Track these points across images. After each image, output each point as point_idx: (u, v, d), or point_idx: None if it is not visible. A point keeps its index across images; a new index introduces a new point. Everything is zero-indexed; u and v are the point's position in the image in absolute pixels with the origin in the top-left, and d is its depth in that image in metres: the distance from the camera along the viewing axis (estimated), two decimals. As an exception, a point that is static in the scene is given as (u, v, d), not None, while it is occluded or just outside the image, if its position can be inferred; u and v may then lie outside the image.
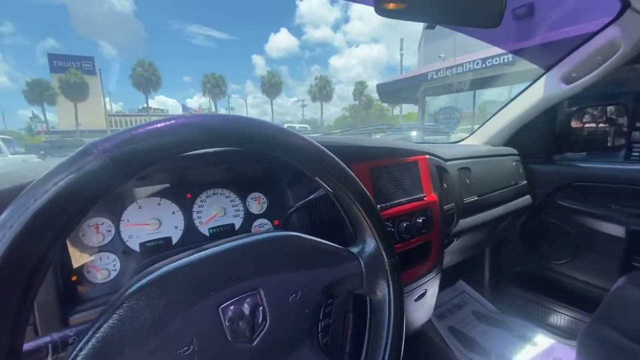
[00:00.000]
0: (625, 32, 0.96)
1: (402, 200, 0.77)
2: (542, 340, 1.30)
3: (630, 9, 0.92)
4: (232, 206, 0.66)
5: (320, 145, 0.39)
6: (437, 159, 0.95)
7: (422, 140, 2.03)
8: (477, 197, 1.08)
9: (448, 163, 1.01)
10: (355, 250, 0.42)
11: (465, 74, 8.78)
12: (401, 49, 25.44)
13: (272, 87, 46.78)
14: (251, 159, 0.59)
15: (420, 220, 0.77)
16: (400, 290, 0.42)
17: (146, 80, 39.63)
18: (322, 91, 47.16)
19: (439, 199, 0.85)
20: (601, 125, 1.55)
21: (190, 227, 0.61)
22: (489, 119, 1.41)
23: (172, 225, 0.59)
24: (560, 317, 1.32)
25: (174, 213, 0.60)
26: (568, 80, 1.15)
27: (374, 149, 0.77)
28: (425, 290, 0.87)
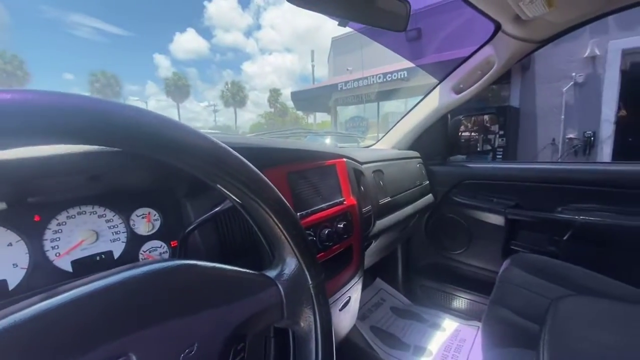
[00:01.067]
0: (498, 50, 1.13)
1: (322, 205, 0.72)
2: (450, 325, 1.43)
3: (501, 31, 1.09)
4: (109, 227, 0.50)
5: (223, 144, 0.30)
6: (354, 162, 0.94)
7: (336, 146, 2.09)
8: (390, 198, 1.12)
9: (364, 166, 1.01)
10: (272, 273, 0.34)
11: (370, 86, 9.65)
12: (312, 60, 26.59)
13: (178, 89, 43.04)
14: (130, 164, 0.44)
15: (341, 226, 0.74)
16: (328, 316, 0.36)
17: (8, 75, 31.89)
18: (236, 97, 45.64)
19: (357, 202, 0.84)
20: (475, 134, 1.84)
21: (40, 263, 0.43)
22: (395, 125, 1.51)
23: (6, 263, 0.41)
24: (464, 302, 1.49)
25: (10, 245, 0.42)
26: (457, 90, 1.31)
27: (291, 151, 0.70)
28: (349, 297, 0.85)
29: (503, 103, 6.12)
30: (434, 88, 1.36)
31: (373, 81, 9.39)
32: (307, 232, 0.66)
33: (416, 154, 1.47)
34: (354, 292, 0.86)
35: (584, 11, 0.91)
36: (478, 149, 1.78)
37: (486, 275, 1.45)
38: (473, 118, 1.61)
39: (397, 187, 1.19)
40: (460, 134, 1.82)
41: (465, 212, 1.46)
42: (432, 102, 1.37)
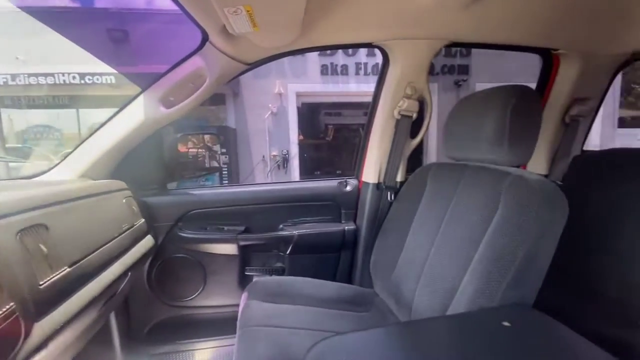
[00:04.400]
0: (208, 64, 1.00)
1: None
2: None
3: (209, 42, 0.95)
4: None
5: None
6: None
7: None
8: (69, 267, 0.67)
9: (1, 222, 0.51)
10: None
11: (59, 86, 7.25)
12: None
13: None
14: None
15: None
16: None
17: None
18: None
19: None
20: (201, 151, 1.70)
21: None
22: (80, 143, 1.02)
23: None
24: (208, 352, 1.25)
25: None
26: (167, 104, 1.05)
27: None
28: None
29: (222, 123, 6.65)
30: (134, 99, 1.02)
31: (64, 80, 7.14)
32: None
33: (121, 184, 1.06)
34: None
35: (284, 41, 0.95)
36: (207, 166, 1.64)
37: (229, 312, 1.30)
38: (193, 137, 1.43)
39: (85, 243, 0.75)
40: (188, 151, 1.58)
41: (197, 248, 1.24)
42: (135, 116, 1.03)
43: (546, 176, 1.41)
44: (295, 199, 1.32)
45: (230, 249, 1.23)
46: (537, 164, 1.42)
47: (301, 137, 7.05)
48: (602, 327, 1.01)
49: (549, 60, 1.27)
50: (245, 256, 1.26)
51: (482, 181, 0.82)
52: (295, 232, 1.26)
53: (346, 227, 1.31)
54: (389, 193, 1.23)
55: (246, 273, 1.28)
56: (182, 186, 1.37)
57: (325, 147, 7.71)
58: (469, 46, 1.15)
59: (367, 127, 1.28)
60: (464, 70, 6.49)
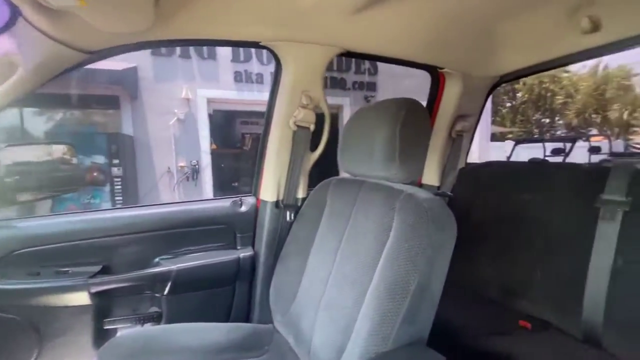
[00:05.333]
0: (23, 48, 0.71)
1: None
2: None
3: (22, 17, 0.68)
4: None
5: None
6: None
7: None
8: None
9: None
10: None
11: None
12: None
13: None
14: None
15: None
16: None
17: None
18: None
19: None
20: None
21: None
22: None
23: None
24: None
25: None
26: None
27: None
28: None
29: (117, 130, 5.72)
30: None
31: None
32: None
33: None
34: None
35: (133, 27, 0.74)
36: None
37: None
38: (28, 147, 1.06)
39: None
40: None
41: (24, 303, 0.89)
42: None
43: (438, 187, 1.49)
44: (176, 224, 1.08)
45: (78, 298, 0.92)
46: (431, 177, 1.49)
47: (214, 146, 6.56)
48: (489, 331, 1.06)
49: (436, 78, 1.35)
50: (103, 305, 0.96)
51: (376, 199, 0.76)
52: (173, 267, 1.02)
53: (242, 254, 1.13)
54: (288, 212, 1.11)
55: (105, 327, 0.98)
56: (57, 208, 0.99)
57: (243, 157, 7.35)
58: (361, 57, 1.11)
59: (263, 139, 1.13)
60: (372, 87, 7.01)
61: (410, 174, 0.75)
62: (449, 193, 1.45)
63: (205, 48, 5.80)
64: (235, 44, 0.99)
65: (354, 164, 0.87)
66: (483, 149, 9.24)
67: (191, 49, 5.76)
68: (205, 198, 1.24)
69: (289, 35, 0.94)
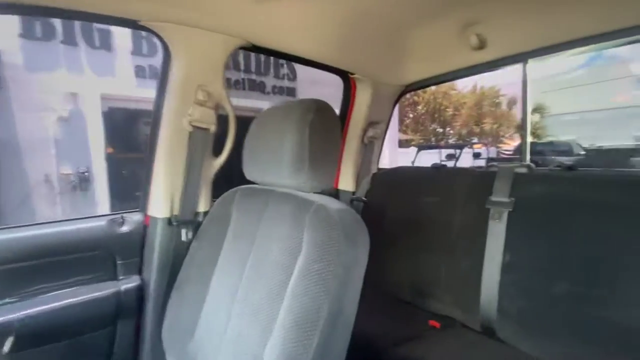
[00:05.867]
0: None
1: None
2: None
3: None
4: None
5: None
6: None
7: None
8: None
9: None
10: None
11: None
12: None
13: None
14: None
15: None
16: None
17: None
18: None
19: None
20: None
21: None
22: None
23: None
24: None
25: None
26: None
27: None
28: None
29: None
30: None
31: None
32: None
33: None
34: None
35: None
36: None
37: None
38: None
39: None
40: None
41: None
42: None
43: (354, 193, 1.49)
44: (26, 255, 0.80)
45: None
46: (347, 182, 1.48)
47: (110, 149, 5.63)
48: (402, 336, 1.07)
49: (348, 84, 1.34)
50: None
51: (285, 213, 0.67)
52: (13, 316, 0.74)
53: (125, 286, 0.90)
54: (184, 230, 0.93)
55: None
56: None
57: (148, 163, 6.47)
58: (269, 53, 1.02)
59: (151, 142, 0.93)
60: (292, 92, 7.03)
61: (321, 182, 0.68)
62: (364, 198, 1.46)
63: (97, 35, 4.96)
64: (105, 21, 0.78)
65: (260, 171, 0.76)
66: (393, 154, 10.17)
67: (78, 35, 4.86)
68: (71, 218, 0.96)
69: (179, 16, 0.78)
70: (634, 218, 0.80)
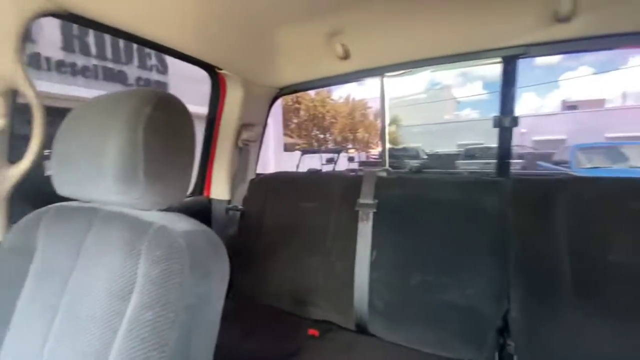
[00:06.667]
0: None
1: None
2: None
3: None
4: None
5: None
6: None
7: None
8: None
9: None
10: None
11: None
12: None
13: None
14: None
15: None
16: None
17: None
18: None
19: None
20: None
21: None
22: None
23: None
24: None
25: None
26: None
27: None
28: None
29: None
30: None
31: None
32: None
33: None
34: None
35: None
36: None
37: None
38: None
39: None
40: None
41: None
42: None
43: (229, 202, 1.35)
44: None
45: None
46: (221, 190, 1.33)
47: None
48: (282, 351, 1.01)
49: (217, 79, 1.20)
50: None
51: (113, 239, 0.50)
52: None
53: None
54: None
55: None
56: None
57: None
58: (97, 27, 0.77)
59: None
60: (163, 87, 6.19)
61: (166, 196, 0.54)
62: (241, 207, 1.34)
63: None
64: None
65: (76, 183, 0.55)
66: (279, 158, 10.30)
67: None
68: None
69: None
70: (464, 212, 0.97)
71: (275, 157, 9.68)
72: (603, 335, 0.76)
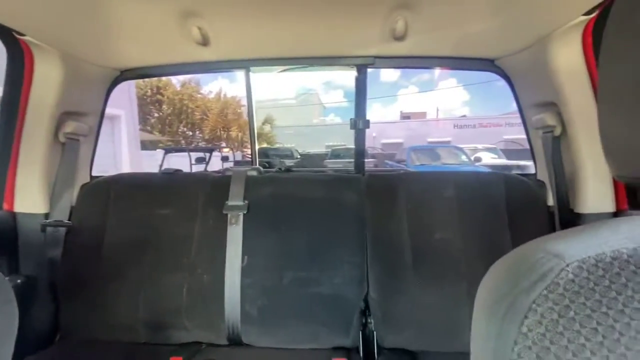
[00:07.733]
0: None
1: None
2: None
3: None
4: None
5: None
6: None
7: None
8: None
9: None
10: None
11: None
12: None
13: None
14: None
15: None
16: None
17: None
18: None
19: None
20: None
21: None
22: None
23: None
24: None
25: None
26: None
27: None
28: None
29: None
30: None
31: None
32: None
33: None
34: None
35: None
36: None
37: None
38: None
39: None
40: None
41: None
42: None
43: (47, 216, 1.01)
44: None
45: None
46: (31, 200, 0.98)
47: None
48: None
49: (17, 48, 0.87)
50: None
51: None
52: None
53: None
54: None
55: None
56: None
57: None
58: None
59: None
60: None
61: None
62: (67, 221, 1.02)
63: None
64: None
65: None
66: (136, 158, 8.75)
67: None
68: None
69: None
70: (329, 207, 1.02)
71: (130, 157, 8.19)
72: (432, 300, 0.93)
